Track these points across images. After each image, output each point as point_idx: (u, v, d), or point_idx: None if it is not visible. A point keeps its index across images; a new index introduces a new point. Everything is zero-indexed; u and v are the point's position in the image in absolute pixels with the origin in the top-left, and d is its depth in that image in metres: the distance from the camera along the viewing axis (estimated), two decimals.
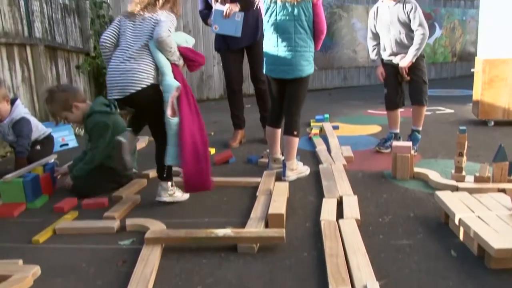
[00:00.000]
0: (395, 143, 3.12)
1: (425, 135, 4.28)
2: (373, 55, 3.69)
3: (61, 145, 4.56)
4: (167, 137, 2.57)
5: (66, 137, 4.63)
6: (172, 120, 2.54)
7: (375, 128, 4.86)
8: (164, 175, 2.69)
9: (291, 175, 3.03)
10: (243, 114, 4.32)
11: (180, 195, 2.75)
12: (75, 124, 4.20)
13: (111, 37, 2.64)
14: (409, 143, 3.10)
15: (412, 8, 3.41)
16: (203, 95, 8.42)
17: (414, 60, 3.47)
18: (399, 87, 3.67)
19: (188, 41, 2.77)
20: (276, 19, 2.93)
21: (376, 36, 3.67)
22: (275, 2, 2.90)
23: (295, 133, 3.00)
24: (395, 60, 3.58)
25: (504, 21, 5.50)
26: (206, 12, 4.12)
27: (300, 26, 2.89)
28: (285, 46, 2.92)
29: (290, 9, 2.87)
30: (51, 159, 3.38)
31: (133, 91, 2.51)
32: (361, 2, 10.51)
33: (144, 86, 2.52)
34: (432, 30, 11.86)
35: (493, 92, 4.77)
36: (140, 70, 2.52)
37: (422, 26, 3.40)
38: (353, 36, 10.41)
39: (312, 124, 4.99)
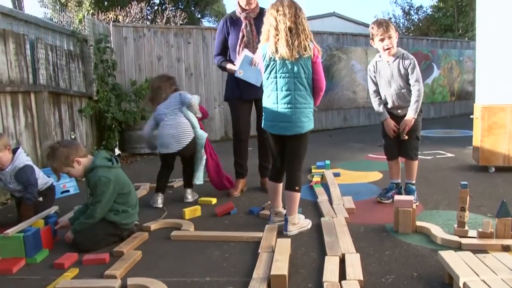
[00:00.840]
0: (397, 197, 3.11)
1: (426, 184, 4.29)
2: (380, 108, 3.70)
3: (62, 192, 4.56)
4: (196, 166, 4.07)
5: (67, 183, 4.63)
6: (204, 157, 4.07)
7: (376, 175, 4.87)
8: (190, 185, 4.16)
9: (293, 230, 3.01)
10: (246, 163, 4.31)
11: (191, 197, 4.12)
12: None
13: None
14: (411, 197, 3.10)
15: (410, 64, 3.48)
16: None
17: (416, 116, 3.52)
18: (398, 137, 3.68)
19: (198, 100, 4.19)
20: (276, 76, 2.97)
21: (378, 89, 3.71)
22: (275, 60, 2.94)
23: (297, 188, 3.00)
24: (396, 112, 3.63)
25: (500, 67, 5.59)
26: (222, 57, 4.16)
27: (300, 83, 2.93)
28: (284, 103, 2.95)
29: (289, 67, 2.91)
30: (52, 210, 3.37)
31: (186, 143, 3.92)
32: (359, 45, 10.74)
33: (190, 139, 3.95)
34: (430, 70, 12.09)
35: (492, 139, 4.81)
36: (186, 131, 3.95)
37: (419, 82, 3.47)
38: (353, 78, 10.57)
39: (313, 171, 5.00)
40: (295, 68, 2.90)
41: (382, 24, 3.51)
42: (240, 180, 4.28)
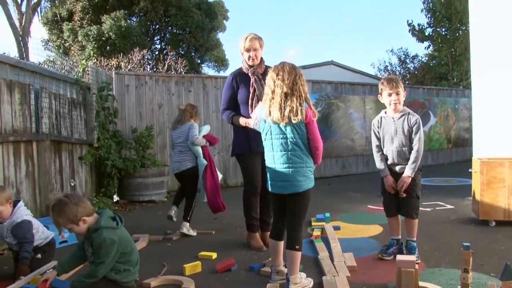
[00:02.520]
0: (399, 257, 3.09)
1: (427, 238, 4.27)
2: (382, 165, 3.72)
3: (60, 242, 4.50)
4: (201, 188, 4.90)
5: (65, 234, 4.58)
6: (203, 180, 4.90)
7: (377, 229, 4.83)
8: (188, 218, 4.82)
9: None
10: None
11: (193, 232, 4.78)
12: None
13: None
14: (413, 257, 3.08)
15: (416, 123, 3.56)
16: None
17: (413, 175, 3.55)
18: (397, 194, 3.69)
19: (208, 129, 5.13)
20: (271, 137, 3.04)
21: (381, 144, 3.76)
22: (269, 122, 3.02)
23: (297, 247, 2.98)
24: (395, 169, 3.66)
25: (496, 123, 5.71)
26: (232, 112, 4.14)
27: (294, 143, 2.97)
28: (281, 163, 3.01)
29: (283, 129, 2.97)
30: (51, 265, 3.32)
31: (183, 169, 4.89)
32: (357, 93, 10.93)
33: (189, 167, 4.88)
34: (427, 118, 12.27)
35: (492, 193, 4.82)
36: (187, 160, 4.91)
37: (420, 141, 3.54)
38: (351, 126, 10.70)
39: (313, 224, 4.97)
40: (288, 129, 2.96)
41: (392, 79, 3.65)
42: (257, 234, 4.21)
